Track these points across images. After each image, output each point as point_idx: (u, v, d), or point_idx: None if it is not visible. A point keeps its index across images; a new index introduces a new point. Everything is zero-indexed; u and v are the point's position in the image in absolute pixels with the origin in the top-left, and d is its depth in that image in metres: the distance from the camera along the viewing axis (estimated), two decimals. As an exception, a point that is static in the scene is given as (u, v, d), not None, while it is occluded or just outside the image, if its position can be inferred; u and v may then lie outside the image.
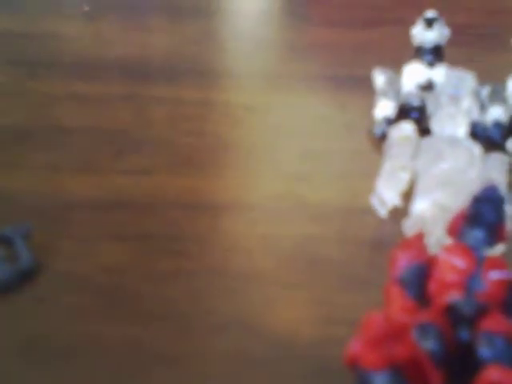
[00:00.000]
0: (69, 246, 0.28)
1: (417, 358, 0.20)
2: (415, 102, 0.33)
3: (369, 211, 0.29)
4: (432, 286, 0.23)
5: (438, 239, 0.25)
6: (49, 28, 0.44)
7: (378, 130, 0.33)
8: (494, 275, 0.23)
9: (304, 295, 0.25)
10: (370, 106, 0.35)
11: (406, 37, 0.36)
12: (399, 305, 0.22)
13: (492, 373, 0.20)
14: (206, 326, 0.24)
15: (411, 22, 0.36)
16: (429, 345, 0.21)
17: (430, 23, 0.34)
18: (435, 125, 0.31)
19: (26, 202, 0.30)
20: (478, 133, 0.32)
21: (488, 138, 0.32)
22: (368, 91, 0.36)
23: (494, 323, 0.21)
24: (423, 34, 0.35)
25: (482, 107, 0.33)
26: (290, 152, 0.33)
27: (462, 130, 0.31)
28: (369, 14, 0.45)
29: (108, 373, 0.23)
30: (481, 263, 0.23)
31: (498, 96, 0.33)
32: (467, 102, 0.32)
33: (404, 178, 0.29)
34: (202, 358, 0.23)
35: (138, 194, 0.30)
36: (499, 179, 0.29)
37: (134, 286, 0.26)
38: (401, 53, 0.36)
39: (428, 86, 0.34)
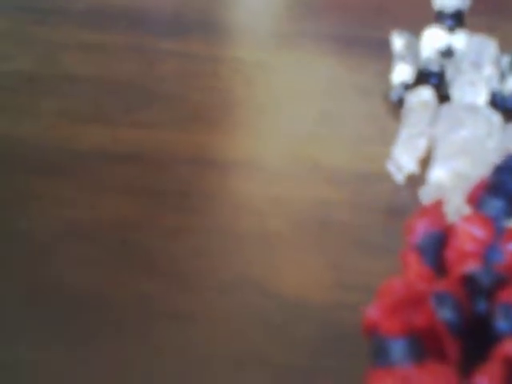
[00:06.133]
0: (73, 195, 0.27)
1: (435, 327, 0.19)
2: (435, 68, 0.32)
3: (385, 177, 0.28)
4: (450, 255, 0.22)
5: (456, 208, 0.25)
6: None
7: (394, 95, 0.32)
8: (514, 247, 0.22)
9: (316, 259, 0.25)
10: (386, 69, 0.34)
11: (426, 0, 0.35)
12: (416, 272, 0.22)
13: (509, 346, 0.19)
14: (214, 284, 0.24)
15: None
16: (445, 314, 0.20)
17: (451, -13, 0.34)
18: (455, 92, 0.31)
19: (33, 148, 0.29)
20: (496, 102, 0.31)
21: (506, 107, 0.31)
22: (385, 54, 0.35)
23: (511, 295, 0.21)
24: (444, -1, 0.34)
25: (502, 76, 0.32)
26: (304, 113, 0.32)
27: (482, 98, 0.30)
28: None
29: (114, 325, 0.22)
30: (500, 234, 0.22)
31: (518, 66, 0.33)
32: (488, 70, 0.31)
33: (421, 144, 0.29)
34: (210, 316, 0.23)
35: (147, 149, 0.30)
36: (518, 150, 0.28)
37: (141, 240, 0.25)
38: (420, 16, 0.35)
39: (448, 52, 0.34)
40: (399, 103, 0.32)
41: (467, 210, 0.24)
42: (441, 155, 0.28)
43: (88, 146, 0.30)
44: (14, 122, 0.31)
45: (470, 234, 0.22)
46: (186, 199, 0.27)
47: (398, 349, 0.19)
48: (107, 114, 0.32)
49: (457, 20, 0.34)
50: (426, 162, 0.28)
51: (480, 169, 0.26)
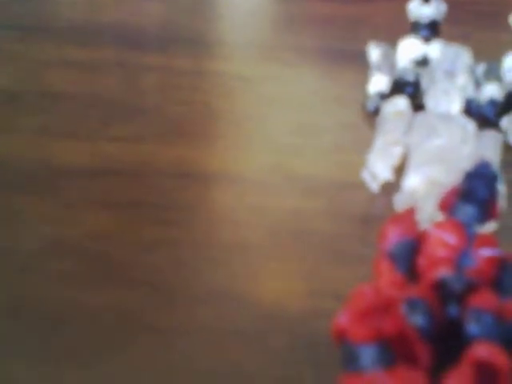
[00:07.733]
0: (55, 211, 0.27)
1: (405, 333, 0.20)
2: (410, 77, 0.32)
3: (360, 186, 0.29)
4: (422, 261, 0.23)
5: (429, 215, 0.25)
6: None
7: (371, 105, 0.33)
8: (485, 252, 0.22)
9: (291, 268, 0.25)
10: (363, 80, 0.34)
11: (402, 12, 0.35)
12: (388, 279, 0.22)
13: (479, 349, 0.20)
14: (191, 296, 0.24)
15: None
16: (417, 320, 0.21)
17: (426, -2, 0.34)
18: (429, 100, 0.31)
19: (13, 165, 0.29)
20: (472, 110, 0.31)
21: (482, 115, 0.31)
22: (362, 65, 0.36)
23: (482, 300, 0.21)
24: (420, 9, 0.34)
25: (477, 85, 0.33)
26: (282, 124, 0.32)
27: (456, 106, 0.31)
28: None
29: (93, 339, 0.22)
30: (471, 240, 0.23)
31: (493, 74, 0.33)
32: (462, 79, 0.32)
33: (396, 152, 0.29)
34: (186, 328, 0.23)
35: (126, 162, 0.30)
36: (492, 157, 0.28)
37: (119, 253, 0.26)
38: (396, 28, 0.36)
39: (423, 62, 0.34)
40: (375, 113, 0.32)
41: (440, 216, 0.24)
42: (415, 163, 0.28)
43: (68, 161, 0.30)
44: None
45: (442, 240, 0.23)
46: (167, 212, 0.28)
47: (367, 355, 0.19)
48: (88, 130, 0.32)
49: (432, 30, 0.34)
50: (400, 169, 0.29)
51: (454, 176, 0.26)
